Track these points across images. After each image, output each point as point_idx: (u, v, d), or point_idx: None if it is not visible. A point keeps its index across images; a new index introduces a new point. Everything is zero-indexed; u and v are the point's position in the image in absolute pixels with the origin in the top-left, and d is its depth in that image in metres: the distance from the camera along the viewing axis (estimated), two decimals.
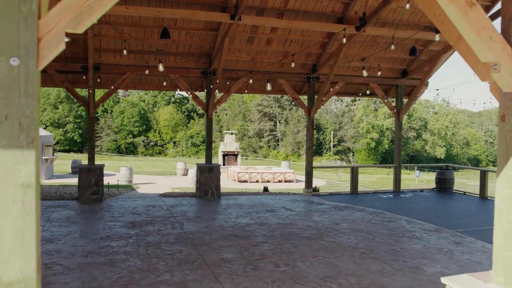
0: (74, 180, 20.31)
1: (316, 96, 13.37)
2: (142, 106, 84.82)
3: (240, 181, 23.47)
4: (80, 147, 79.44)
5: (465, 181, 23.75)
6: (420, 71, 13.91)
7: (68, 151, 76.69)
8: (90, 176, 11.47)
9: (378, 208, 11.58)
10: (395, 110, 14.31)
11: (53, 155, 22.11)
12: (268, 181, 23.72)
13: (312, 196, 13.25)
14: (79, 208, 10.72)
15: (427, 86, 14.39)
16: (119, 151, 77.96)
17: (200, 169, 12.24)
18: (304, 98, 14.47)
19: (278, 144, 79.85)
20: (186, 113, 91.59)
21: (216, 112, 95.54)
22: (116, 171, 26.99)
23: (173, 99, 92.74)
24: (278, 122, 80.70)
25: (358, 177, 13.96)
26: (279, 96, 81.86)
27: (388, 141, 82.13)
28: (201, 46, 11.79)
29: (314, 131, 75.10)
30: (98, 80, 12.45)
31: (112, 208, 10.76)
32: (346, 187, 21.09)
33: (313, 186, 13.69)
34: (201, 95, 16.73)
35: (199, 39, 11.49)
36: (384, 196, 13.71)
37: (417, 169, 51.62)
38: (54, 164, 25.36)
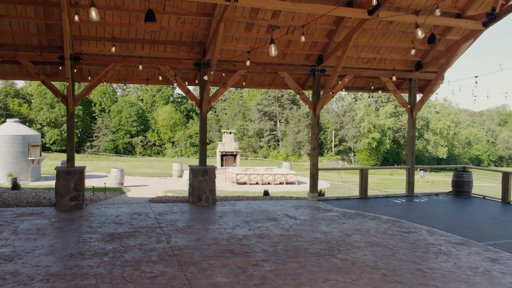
0: None
1: (321, 92, 12.11)
2: (140, 105, 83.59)
3: (239, 183, 22.21)
4: (77, 147, 78.16)
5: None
6: (436, 63, 12.64)
7: (64, 151, 75.40)
8: (69, 179, 10.19)
9: (392, 215, 10.31)
10: (408, 106, 13.04)
11: (40, 155, 20.84)
12: (269, 183, 22.46)
13: (317, 201, 11.98)
14: (55, 217, 9.44)
15: (443, 80, 13.12)
16: (116, 151, 76.68)
17: (193, 171, 10.97)
18: (308, 94, 13.21)
19: (278, 144, 78.55)
20: (185, 113, 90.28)
21: (215, 112, 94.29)
22: (110, 172, 25.74)
23: (172, 99, 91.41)
24: (278, 122, 79.39)
25: (368, 180, 12.68)
26: (280, 95, 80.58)
27: (390, 140, 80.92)
28: (193, 33, 10.51)
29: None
30: (79, 72, 11.19)
31: (92, 217, 9.49)
32: (351, 190, 19.84)
33: (318, 189, 12.42)
34: (196, 91, 15.43)
35: (191, 26, 10.22)
36: (397, 201, 12.44)
37: (421, 170, 50.39)
38: (44, 165, 24.10)
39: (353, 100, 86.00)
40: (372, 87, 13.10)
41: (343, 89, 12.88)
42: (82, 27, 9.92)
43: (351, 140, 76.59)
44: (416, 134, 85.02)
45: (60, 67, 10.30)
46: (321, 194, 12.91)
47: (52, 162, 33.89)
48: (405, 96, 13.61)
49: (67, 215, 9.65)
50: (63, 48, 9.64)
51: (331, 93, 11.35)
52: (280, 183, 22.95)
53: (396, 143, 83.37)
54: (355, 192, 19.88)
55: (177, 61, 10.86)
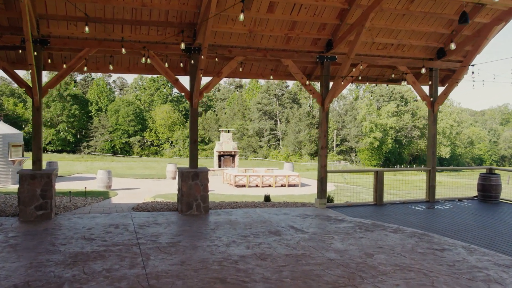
0: None
1: (330, 83, 10.53)
2: (138, 104, 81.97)
3: (237, 186, 20.62)
4: (73, 147, 76.55)
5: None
6: (461, 50, 11.06)
7: (61, 151, 73.75)
8: (34, 185, 8.61)
9: (416, 226, 8.74)
10: (431, 99, 11.46)
11: (22, 156, 19.26)
12: (269, 186, 20.88)
13: (326, 209, 10.39)
14: (14, 230, 7.85)
15: (468, 70, 11.54)
16: (114, 151, 75.05)
17: (182, 175, 9.38)
18: (315, 85, 11.61)
19: (278, 144, 76.91)
20: (183, 112, 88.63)
21: (214, 111, 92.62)
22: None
23: (170, 98, 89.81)
24: (278, 121, 77.77)
25: (383, 184, 11.09)
26: (280, 93, 78.96)
27: (392, 140, 79.37)
28: (181, 12, 8.92)
29: (316, 130, 72.20)
30: (50, 59, 9.61)
31: (59, 230, 7.90)
32: (360, 193, 18.27)
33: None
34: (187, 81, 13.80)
35: (179, 3, 8.62)
36: (417, 208, 10.86)
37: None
38: (28, 166, 22.51)
39: (355, 98, 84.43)
40: (392, 76, 11.48)
41: (356, 79, 11.29)
42: (48, 4, 8.33)
43: (353, 139, 74.99)
44: (419, 133, 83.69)
45: (20, 50, 8.72)
46: (329, 199, 11.33)
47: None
48: (424, 88, 12.02)
49: (30, 227, 8.05)
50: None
51: (342, 83, 9.75)
52: (282, 186, 21.35)
53: (398, 142, 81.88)
54: (365, 195, 18.34)
55: (163, 45, 9.28)
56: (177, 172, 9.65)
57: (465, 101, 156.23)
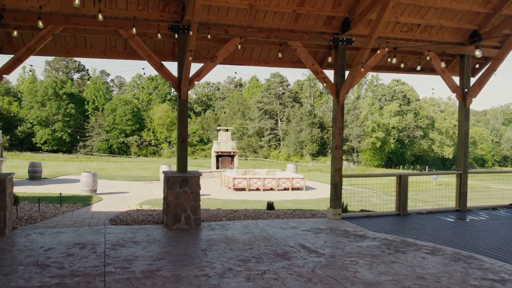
0: (25, 190, 15.84)
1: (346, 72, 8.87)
2: (136, 103, 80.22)
3: (236, 189, 18.95)
4: (69, 147, 74.76)
5: (481, 183, 19.17)
6: (499, 34, 9.38)
7: (56, 151, 71.96)
8: None
9: (456, 244, 7.07)
10: (462, 91, 9.79)
11: (1, 156, 17.60)
12: (271, 189, 19.23)
13: (342, 221, 8.72)
14: None
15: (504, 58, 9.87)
16: (111, 151, 73.33)
17: (168, 181, 7.72)
18: (328, 73, 9.94)
19: (279, 144, 75.17)
20: None
21: (214, 110, 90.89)
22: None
23: (169, 97, 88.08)
24: (279, 120, 76.02)
25: (407, 190, 9.42)
26: (281, 92, 77.21)
27: (394, 140, 77.74)
28: None
29: (318, 130, 70.43)
30: (7, 39, 7.95)
31: (10, 251, 6.24)
32: (371, 197, 16.64)
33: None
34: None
35: None
36: (448, 219, 9.19)
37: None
38: (10, 167, 20.84)
39: (357, 97, 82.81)
40: (418, 66, 9.81)
41: (376, 68, 9.64)
42: None
43: (355, 139, 73.31)
44: (421, 133, 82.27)
45: None
46: (345, 210, 9.66)
47: (25, 163, 30.47)
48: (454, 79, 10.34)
49: None
50: None
51: (362, 69, 8.08)
52: (285, 189, 19.67)
53: (401, 142, 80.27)
54: (376, 199, 16.66)
55: (145, 23, 7.61)
56: (163, 178, 7.98)
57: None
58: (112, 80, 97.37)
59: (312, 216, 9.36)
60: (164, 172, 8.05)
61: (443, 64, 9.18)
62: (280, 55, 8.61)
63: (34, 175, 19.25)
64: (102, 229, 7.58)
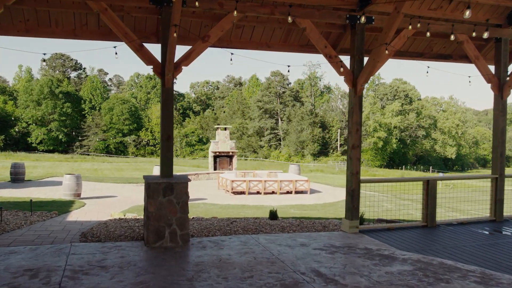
0: (1, 194, 14.38)
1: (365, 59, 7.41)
2: (133, 102, 78.72)
3: (234, 193, 17.50)
4: (65, 147, 73.26)
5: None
6: None
7: (52, 151, 70.49)
8: None
9: (508, 268, 5.62)
10: (498, 81, 8.33)
11: None
12: (273, 192, 17.78)
13: (360, 235, 7.26)
14: None
15: None
16: (108, 151, 71.86)
17: (149, 188, 6.26)
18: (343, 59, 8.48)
19: (280, 144, 73.68)
20: (180, 111, 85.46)
21: (213, 110, 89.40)
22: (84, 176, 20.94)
23: None
24: (280, 120, 74.51)
25: (436, 197, 7.96)
26: (281, 91, 75.68)
27: (396, 140, 76.32)
28: None
29: (319, 130, 68.91)
30: None
31: None
32: (382, 201, 15.19)
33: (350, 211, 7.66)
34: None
35: None
36: (484, 232, 7.73)
37: (439, 172, 45.56)
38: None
39: None
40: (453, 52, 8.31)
41: (397, 54, 8.19)
42: None
43: None
44: (424, 133, 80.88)
45: None
46: (362, 222, 8.20)
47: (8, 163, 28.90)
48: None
49: None
50: None
51: (386, 51, 6.62)
52: (288, 192, 18.21)
53: (403, 142, 78.87)
54: (387, 204, 15.19)
55: None
56: (144, 184, 6.51)
57: (469, 99, 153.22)
58: (110, 79, 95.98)
59: (324, 228, 7.90)
60: (144, 177, 6.60)
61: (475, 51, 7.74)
62: (285, 37, 7.15)
63: (17, 177, 17.80)
64: (67, 248, 6.12)
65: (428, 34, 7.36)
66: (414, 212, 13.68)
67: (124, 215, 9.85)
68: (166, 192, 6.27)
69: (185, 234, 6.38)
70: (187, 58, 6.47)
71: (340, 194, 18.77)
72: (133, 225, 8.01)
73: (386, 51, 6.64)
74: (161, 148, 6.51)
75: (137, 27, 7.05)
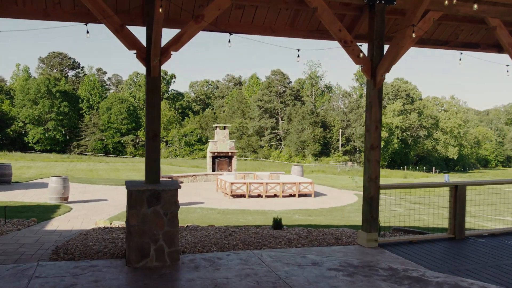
0: None
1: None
2: (132, 102, 77.64)
3: (234, 196, 16.46)
4: (62, 146, 72.20)
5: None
6: None
7: (49, 151, 69.42)
8: None
9: None
10: None
11: None
12: (275, 195, 16.75)
13: (380, 250, 6.22)
14: None
15: None
16: (106, 151, 70.81)
17: (131, 196, 5.24)
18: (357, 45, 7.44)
19: (280, 144, 72.65)
20: (180, 110, 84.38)
21: (213, 109, 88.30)
22: (76, 178, 19.94)
23: (166, 95, 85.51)
24: (280, 119, 73.47)
25: (465, 205, 6.93)
26: (282, 90, 74.65)
27: (398, 140, 75.30)
28: None
29: (320, 129, 67.81)
30: None
31: None
32: (391, 207, 14.15)
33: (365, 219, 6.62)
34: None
35: None
36: None
37: (440, 172, 44.55)
38: None
39: (360, 96, 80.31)
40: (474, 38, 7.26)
41: (420, 42, 7.15)
42: None
43: (359, 139, 70.82)
44: (425, 133, 79.96)
45: None
46: (381, 234, 7.16)
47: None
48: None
49: None
50: None
51: (413, 34, 5.59)
52: (291, 195, 17.17)
53: (404, 142, 77.84)
54: (397, 208, 14.19)
55: None
56: (127, 192, 5.46)
57: (470, 99, 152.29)
58: (109, 78, 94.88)
59: (337, 241, 6.86)
60: (126, 182, 5.57)
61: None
62: (292, 20, 6.10)
63: (2, 179, 16.76)
64: (31, 269, 5.08)
65: (457, 15, 6.33)
66: (427, 217, 12.67)
67: (110, 223, 8.81)
68: (151, 202, 5.24)
69: (174, 251, 5.34)
70: (177, 42, 5.43)
71: (346, 197, 17.75)
72: (116, 236, 6.97)
73: (413, 34, 5.61)
74: (146, 149, 5.48)
75: (119, 7, 6.00)
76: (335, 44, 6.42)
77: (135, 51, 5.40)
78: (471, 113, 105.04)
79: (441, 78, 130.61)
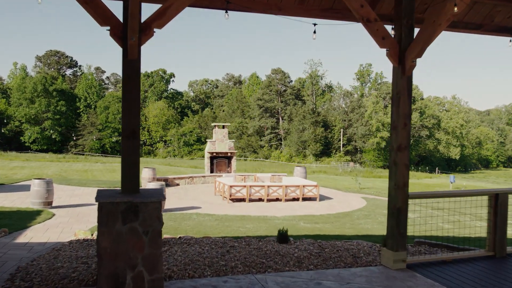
0: None
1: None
2: None
3: (233, 200, 15.37)
4: (59, 146, 71.04)
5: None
6: None
7: (46, 150, 68.26)
8: None
9: None
10: None
11: None
12: (278, 199, 15.67)
13: (410, 273, 5.12)
14: None
15: None
16: (103, 151, 69.67)
17: (101, 210, 4.15)
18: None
19: (280, 144, 71.53)
20: (179, 109, 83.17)
21: (212, 109, 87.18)
22: (68, 179, 18.90)
23: (165, 94, 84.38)
24: (281, 119, 72.35)
25: (507, 217, 5.85)
26: (282, 89, 73.52)
27: None
28: None
29: (322, 129, 66.68)
30: None
31: None
32: (409, 214, 12.99)
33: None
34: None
35: None
36: None
37: (442, 173, 43.44)
38: None
39: (361, 95, 79.28)
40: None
41: (452, 26, 6.07)
42: None
43: (360, 139, 69.73)
44: (427, 133, 78.94)
45: None
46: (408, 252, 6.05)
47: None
48: None
49: None
50: None
51: (455, 8, 4.51)
52: (294, 199, 16.07)
53: None
54: (412, 214, 13.08)
55: None
56: (97, 205, 4.35)
57: (471, 99, 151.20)
58: (107, 77, 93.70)
59: (355, 260, 5.76)
60: (98, 192, 4.48)
61: None
62: None
63: None
64: None
65: None
66: (446, 225, 11.58)
67: (92, 234, 7.72)
68: (127, 217, 4.15)
69: (156, 279, 4.24)
70: (162, 16, 4.34)
71: (353, 201, 16.67)
72: (92, 254, 5.87)
73: (455, 8, 4.52)
74: (121, 149, 4.38)
75: None
76: (349, 27, 5.34)
77: (108, 28, 4.31)
78: (473, 113, 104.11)
79: (443, 76, 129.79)
